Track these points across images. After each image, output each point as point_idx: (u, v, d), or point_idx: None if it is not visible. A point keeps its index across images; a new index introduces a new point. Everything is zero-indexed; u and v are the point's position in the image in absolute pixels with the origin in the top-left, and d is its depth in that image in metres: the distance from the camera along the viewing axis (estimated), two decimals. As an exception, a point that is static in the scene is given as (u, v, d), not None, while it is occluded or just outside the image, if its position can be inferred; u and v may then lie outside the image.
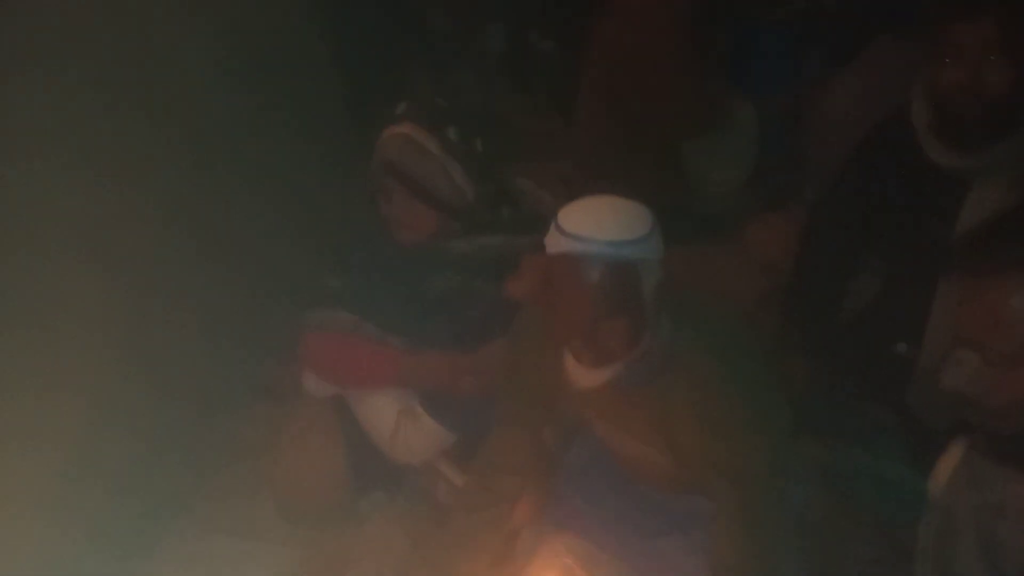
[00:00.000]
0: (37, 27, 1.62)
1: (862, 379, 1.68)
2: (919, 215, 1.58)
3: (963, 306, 0.98)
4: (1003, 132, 1.43)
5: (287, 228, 1.93)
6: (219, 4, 1.99)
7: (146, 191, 1.78)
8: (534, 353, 1.39)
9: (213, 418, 1.95)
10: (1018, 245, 0.95)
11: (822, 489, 1.46)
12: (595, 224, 1.19)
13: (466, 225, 1.70)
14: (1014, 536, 1.02)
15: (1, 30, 1.56)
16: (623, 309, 1.21)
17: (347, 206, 1.90)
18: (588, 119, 2.32)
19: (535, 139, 2.36)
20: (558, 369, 1.32)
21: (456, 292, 1.69)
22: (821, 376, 1.72)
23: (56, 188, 1.64)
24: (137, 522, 1.75)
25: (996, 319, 0.93)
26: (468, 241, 1.70)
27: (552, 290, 1.23)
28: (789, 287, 1.85)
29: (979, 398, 0.96)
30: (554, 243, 1.22)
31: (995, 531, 1.05)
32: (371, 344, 1.69)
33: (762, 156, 2.29)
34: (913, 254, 1.61)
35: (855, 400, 1.67)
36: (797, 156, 2.26)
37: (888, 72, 1.96)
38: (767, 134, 2.30)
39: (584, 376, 1.28)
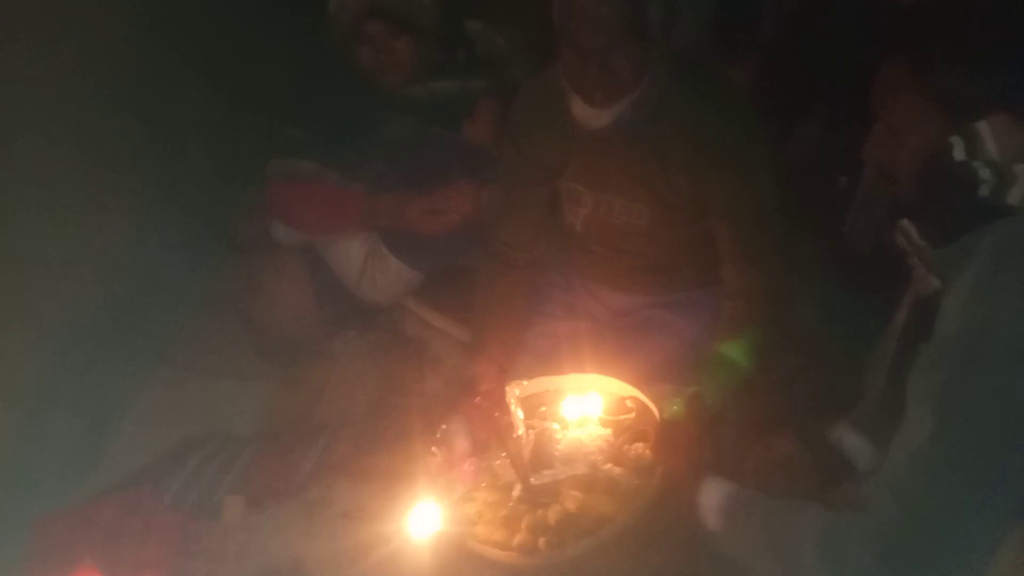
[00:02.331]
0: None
1: (805, 212, 1.76)
2: (866, 54, 1.62)
3: (880, 86, 1.06)
4: None
5: (248, 82, 1.93)
6: None
7: (102, 41, 1.78)
8: (537, 123, 1.53)
9: (189, 270, 2.01)
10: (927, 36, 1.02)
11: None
12: None
13: (442, 54, 1.75)
14: None
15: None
16: (635, 41, 1.33)
17: (305, 57, 1.90)
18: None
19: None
20: (565, 123, 1.45)
21: (413, 136, 1.74)
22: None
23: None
24: (122, 369, 1.83)
25: (899, 94, 1.02)
26: (424, 86, 1.74)
27: (570, 32, 1.34)
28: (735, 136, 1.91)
29: (887, 160, 1.06)
30: None
31: None
32: (334, 190, 1.75)
33: (722, 10, 2.28)
34: (859, 92, 1.66)
35: (796, 232, 1.77)
36: (756, 9, 2.27)
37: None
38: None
39: (593, 116, 1.41)
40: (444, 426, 1.44)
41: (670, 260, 1.59)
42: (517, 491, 1.39)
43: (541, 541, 1.30)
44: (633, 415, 1.47)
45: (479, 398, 1.46)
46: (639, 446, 1.41)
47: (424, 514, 1.33)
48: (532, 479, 1.39)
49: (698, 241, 1.54)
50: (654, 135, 1.43)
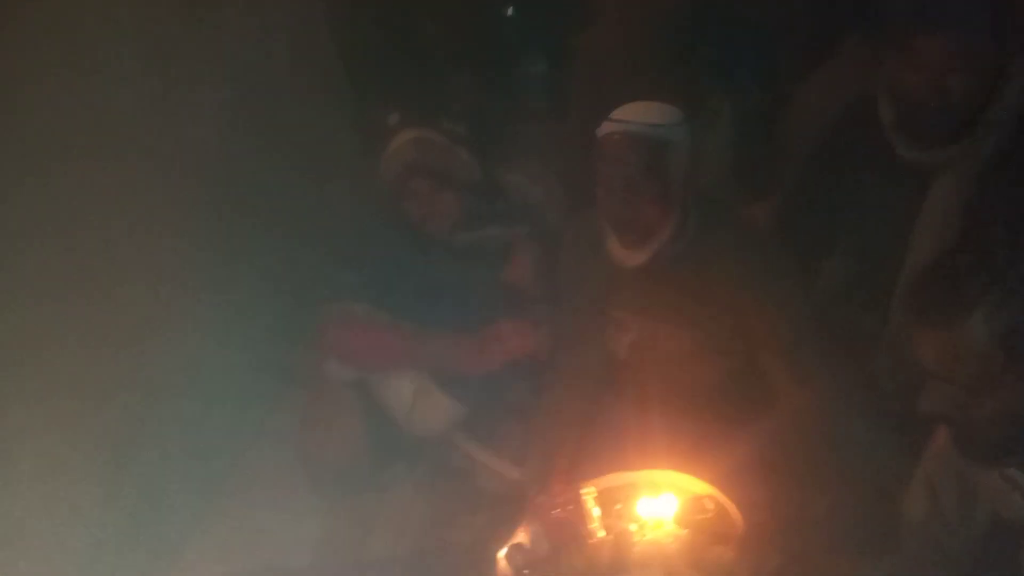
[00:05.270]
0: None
1: (831, 353, 1.83)
2: (883, 204, 1.72)
3: (921, 347, 1.01)
4: (961, 133, 1.54)
5: (304, 231, 2.10)
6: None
7: (169, 189, 1.95)
8: (582, 258, 1.69)
9: (242, 404, 2.12)
10: (960, 287, 0.97)
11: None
12: (636, 111, 1.55)
13: (483, 204, 1.91)
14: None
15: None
16: (658, 182, 1.51)
17: (357, 209, 2.07)
18: (579, 123, 2.48)
19: (528, 142, 2.53)
20: (605, 262, 1.60)
21: (459, 280, 1.88)
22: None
23: (86, 180, 1.78)
24: (182, 502, 1.92)
25: (956, 354, 0.96)
26: (469, 233, 1.89)
27: (601, 174, 1.54)
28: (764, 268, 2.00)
29: (961, 417, 1.01)
30: (604, 128, 1.55)
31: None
32: (385, 330, 1.88)
33: (739, 154, 2.43)
34: (878, 239, 1.76)
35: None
36: (773, 152, 2.41)
37: (857, 68, 2.10)
38: (744, 132, 2.44)
39: (628, 257, 1.57)
40: (519, 534, 1.46)
41: (713, 390, 1.66)
42: None
43: None
44: (711, 515, 1.46)
45: (558, 508, 1.48)
46: (719, 549, 1.40)
47: None
48: None
49: (741, 371, 1.61)
50: (690, 266, 1.56)
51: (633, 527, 1.48)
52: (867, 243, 1.80)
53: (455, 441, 1.90)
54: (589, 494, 1.50)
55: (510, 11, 2.60)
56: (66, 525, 1.69)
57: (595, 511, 1.48)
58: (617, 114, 1.55)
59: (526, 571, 1.43)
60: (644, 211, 1.51)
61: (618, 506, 1.52)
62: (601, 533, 1.46)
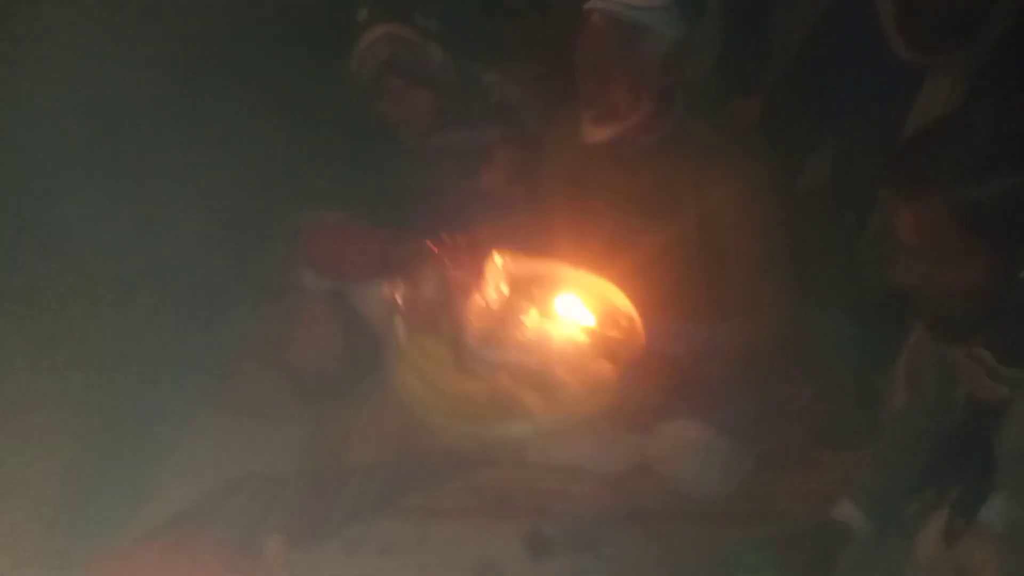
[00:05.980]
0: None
1: (813, 247, 1.81)
2: (874, 98, 1.67)
3: (897, 217, 1.04)
4: (963, 40, 1.51)
5: (277, 137, 2.03)
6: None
7: (142, 100, 1.88)
8: (561, 147, 1.67)
9: (223, 316, 2.10)
10: (937, 160, 1.00)
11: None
12: None
13: (458, 105, 1.85)
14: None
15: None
16: (630, 66, 1.47)
17: (331, 112, 2.00)
18: (560, 19, 2.39)
19: (506, 40, 2.43)
20: (582, 150, 1.57)
21: (436, 185, 1.83)
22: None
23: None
24: (164, 413, 1.92)
25: (923, 224, 0.99)
26: (445, 136, 1.83)
27: (580, 51, 1.51)
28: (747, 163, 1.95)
29: (920, 290, 1.05)
30: (587, 5, 1.50)
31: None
32: (360, 237, 1.84)
33: (730, 43, 2.35)
34: (865, 135, 1.71)
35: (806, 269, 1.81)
36: (765, 42, 2.32)
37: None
38: (737, 21, 2.35)
39: (593, 133, 1.53)
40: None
41: (682, 284, 1.64)
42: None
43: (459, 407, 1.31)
44: (620, 333, 1.43)
45: (458, 261, 1.50)
46: (604, 364, 1.37)
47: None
48: (484, 350, 1.37)
49: (710, 266, 1.59)
50: (668, 158, 1.54)
51: (533, 312, 1.45)
52: (855, 139, 1.75)
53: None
54: (496, 260, 1.47)
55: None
56: (50, 439, 1.69)
57: (498, 281, 1.44)
58: None
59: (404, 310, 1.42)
60: (613, 92, 1.48)
61: (534, 290, 1.48)
62: (493, 302, 1.42)
